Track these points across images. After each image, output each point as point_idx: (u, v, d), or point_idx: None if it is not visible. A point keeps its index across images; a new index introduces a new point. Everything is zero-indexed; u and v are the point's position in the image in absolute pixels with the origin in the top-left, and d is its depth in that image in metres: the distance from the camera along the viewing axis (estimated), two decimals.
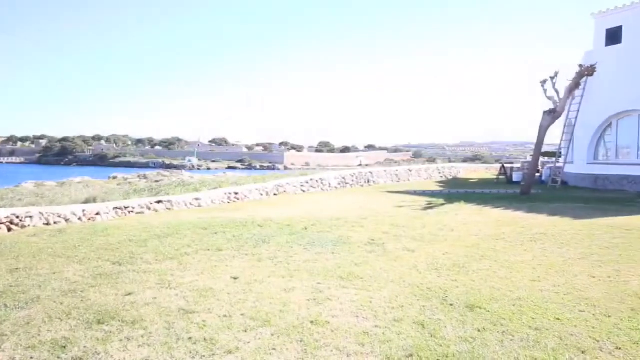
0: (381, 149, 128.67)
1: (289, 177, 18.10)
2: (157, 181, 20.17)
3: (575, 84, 18.78)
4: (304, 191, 17.05)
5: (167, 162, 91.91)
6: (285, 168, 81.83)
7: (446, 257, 6.63)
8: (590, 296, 4.82)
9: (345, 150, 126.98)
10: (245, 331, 3.96)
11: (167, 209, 11.59)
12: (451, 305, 4.60)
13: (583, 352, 3.51)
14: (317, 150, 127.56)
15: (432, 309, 4.51)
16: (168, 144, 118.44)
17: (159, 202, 11.54)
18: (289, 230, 8.69)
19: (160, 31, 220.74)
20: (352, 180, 20.01)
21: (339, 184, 19.15)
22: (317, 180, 18.03)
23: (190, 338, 3.80)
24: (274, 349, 3.63)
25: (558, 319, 4.19)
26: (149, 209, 11.15)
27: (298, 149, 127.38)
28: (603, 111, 19.67)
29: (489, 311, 4.41)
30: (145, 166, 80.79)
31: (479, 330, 3.95)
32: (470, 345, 3.66)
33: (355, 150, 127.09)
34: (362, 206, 12.72)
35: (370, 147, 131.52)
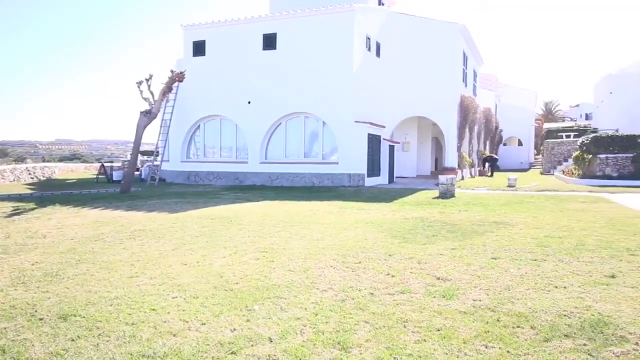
0: None
1: None
2: None
3: (168, 88, 20.18)
4: None
5: None
6: None
7: (36, 267, 5.94)
8: (182, 282, 5.28)
9: None
10: None
11: None
12: (41, 319, 4.15)
13: (174, 335, 3.80)
14: None
15: (17, 329, 3.94)
16: None
17: None
18: None
19: None
20: None
21: None
22: None
23: None
24: None
25: (154, 310, 4.39)
26: None
27: None
28: (193, 114, 21.96)
29: (84, 317, 4.20)
30: None
31: (72, 340, 3.71)
32: (62, 358, 3.39)
33: None
34: None
35: None
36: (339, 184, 19.16)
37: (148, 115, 18.50)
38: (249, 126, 20.86)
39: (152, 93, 19.41)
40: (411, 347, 3.51)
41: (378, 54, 21.81)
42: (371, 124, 19.46)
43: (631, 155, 19.38)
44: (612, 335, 3.68)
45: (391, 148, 21.78)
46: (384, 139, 21.03)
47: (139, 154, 23.46)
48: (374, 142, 19.97)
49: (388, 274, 5.51)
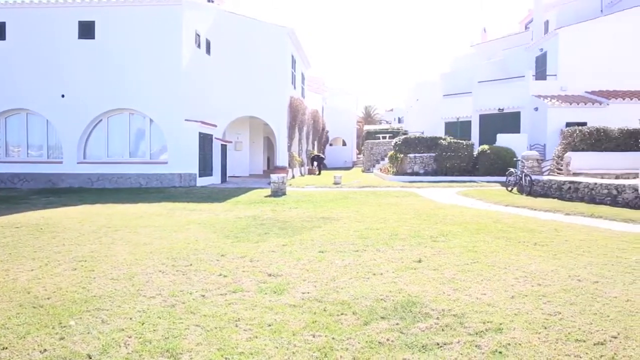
0: None
1: None
2: None
3: None
4: None
5: None
6: None
7: None
8: None
9: None
10: None
11: None
12: None
13: None
14: None
15: None
16: None
17: None
18: None
19: None
20: None
21: None
22: None
23: None
24: None
25: None
26: None
27: None
28: None
29: None
30: None
31: None
32: None
33: None
34: None
35: None
36: (169, 184, 18.35)
37: None
38: (64, 122, 18.72)
39: None
40: (243, 346, 3.53)
41: (208, 51, 21.42)
42: (202, 122, 19.05)
43: (434, 154, 22.29)
44: (419, 312, 4.19)
45: (223, 147, 21.61)
46: (215, 138, 20.75)
47: None
48: (205, 141, 19.57)
49: (220, 275, 5.46)
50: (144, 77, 18.42)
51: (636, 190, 11.12)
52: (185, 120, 18.39)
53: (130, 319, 4.09)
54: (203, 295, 4.71)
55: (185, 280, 5.27)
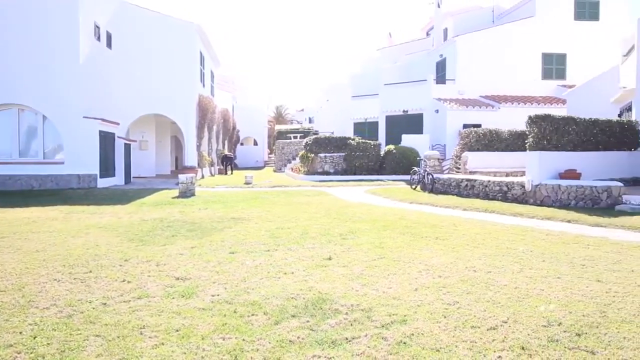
0: None
1: None
2: None
3: None
4: None
5: None
6: None
7: None
8: None
9: None
10: None
11: None
12: None
13: None
14: None
15: None
16: None
17: None
18: None
19: None
20: None
21: None
22: None
23: None
24: None
25: None
26: None
27: None
28: None
29: None
30: None
31: None
32: None
33: None
34: None
35: None
36: (66, 186, 17.07)
37: None
38: None
39: None
40: (148, 353, 3.37)
41: (109, 45, 20.23)
42: (103, 120, 17.93)
43: (343, 154, 22.85)
44: (329, 309, 4.27)
45: (127, 146, 20.50)
46: (118, 137, 19.64)
47: None
48: (107, 140, 18.45)
49: (124, 280, 5.18)
50: (36, 70, 16.96)
51: (523, 186, 12.20)
52: (84, 117, 17.21)
53: (20, 333, 3.74)
54: (104, 304, 4.44)
55: (84, 288, 4.93)
